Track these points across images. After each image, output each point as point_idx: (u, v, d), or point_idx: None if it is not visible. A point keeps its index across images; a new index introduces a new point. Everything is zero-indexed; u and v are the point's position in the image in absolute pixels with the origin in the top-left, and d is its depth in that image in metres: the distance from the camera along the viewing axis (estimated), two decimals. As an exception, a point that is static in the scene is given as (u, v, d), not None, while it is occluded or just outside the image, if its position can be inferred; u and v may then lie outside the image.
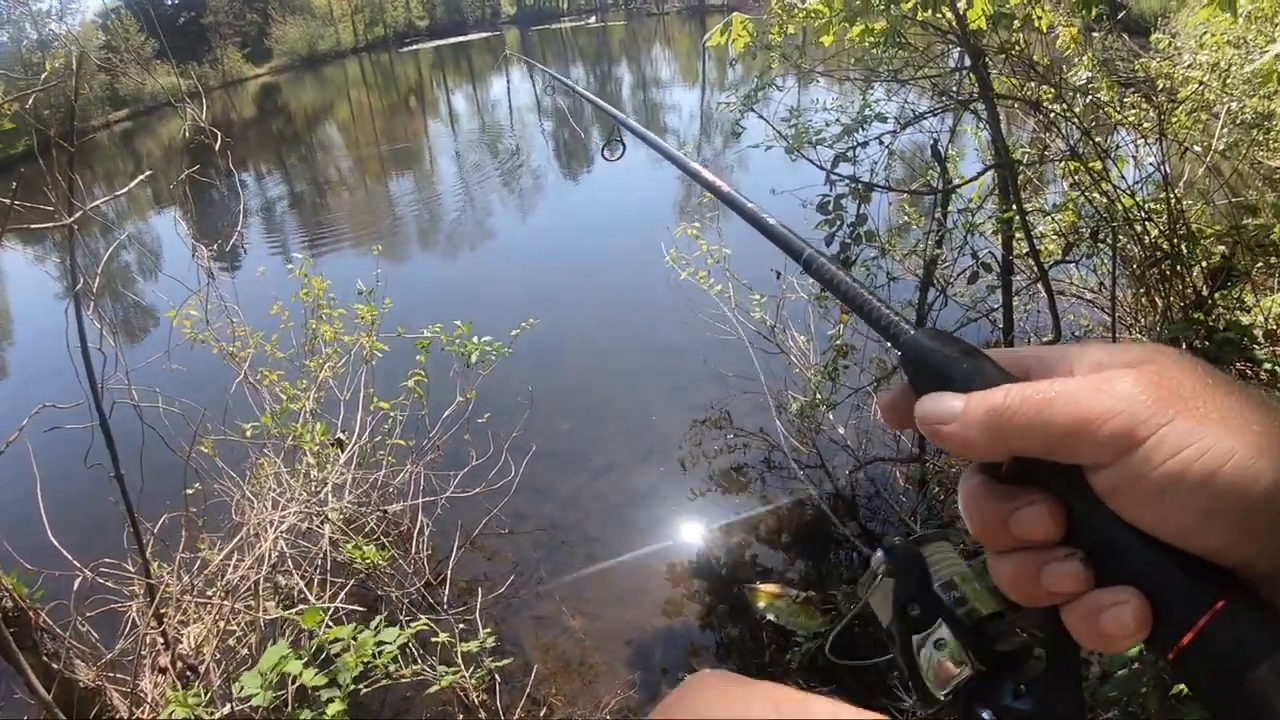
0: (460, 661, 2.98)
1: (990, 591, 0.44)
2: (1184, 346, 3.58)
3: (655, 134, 0.96)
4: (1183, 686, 0.35)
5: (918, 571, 0.46)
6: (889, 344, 0.44)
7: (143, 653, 2.80)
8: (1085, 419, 0.34)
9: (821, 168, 3.93)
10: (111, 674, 2.76)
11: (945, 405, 0.38)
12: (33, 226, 2.19)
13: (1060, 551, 0.36)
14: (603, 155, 1.54)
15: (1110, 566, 0.35)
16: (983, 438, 0.37)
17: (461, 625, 3.28)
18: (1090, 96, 4.03)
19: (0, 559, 2.67)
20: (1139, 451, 0.33)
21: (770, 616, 3.82)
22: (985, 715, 0.41)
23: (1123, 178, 3.81)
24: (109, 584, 2.89)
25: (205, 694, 2.55)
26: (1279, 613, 0.33)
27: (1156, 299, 3.97)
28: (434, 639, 2.89)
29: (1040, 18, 3.45)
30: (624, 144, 1.49)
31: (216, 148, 3.04)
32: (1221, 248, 3.78)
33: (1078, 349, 0.39)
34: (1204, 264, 3.68)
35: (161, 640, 2.81)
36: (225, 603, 3.09)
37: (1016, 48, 3.63)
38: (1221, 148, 5.03)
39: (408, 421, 4.41)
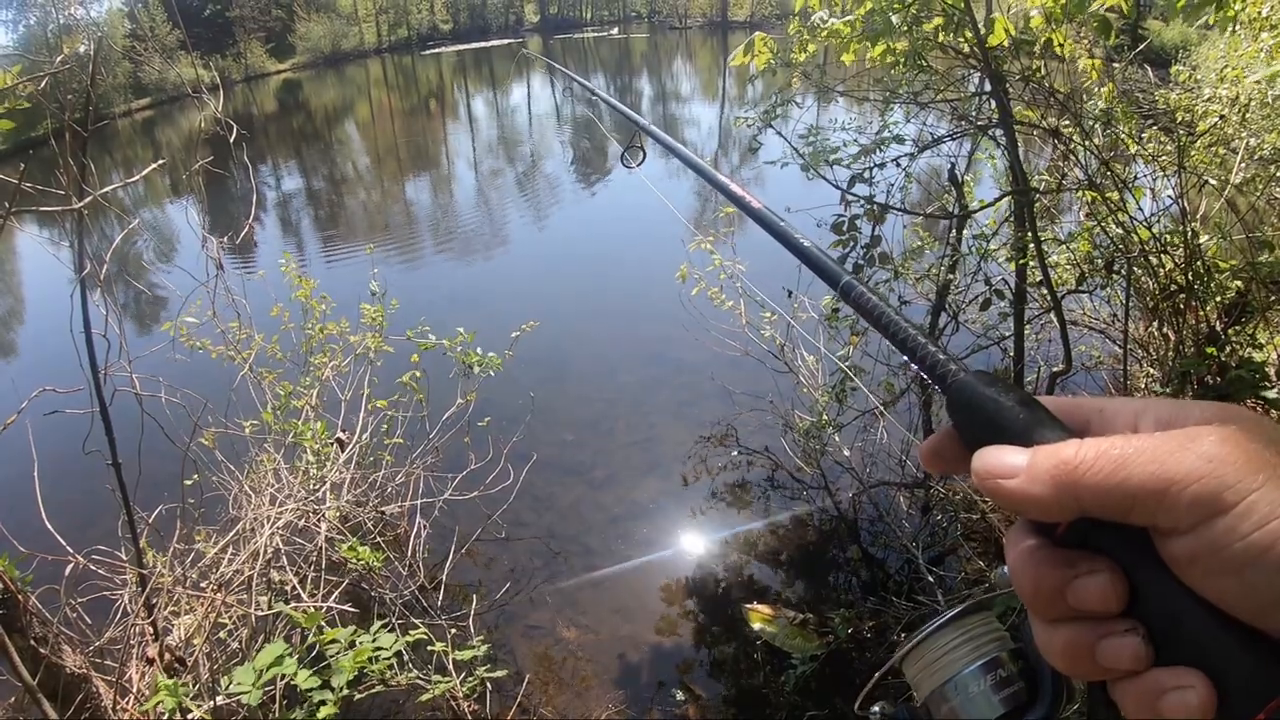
0: (452, 668, 2.95)
1: (984, 698, 0.43)
2: (1195, 382, 3.54)
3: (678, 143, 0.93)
4: None
5: None
6: (935, 386, 0.41)
7: (131, 642, 2.78)
8: (1168, 479, 0.31)
9: (838, 187, 3.91)
10: (99, 661, 2.74)
11: (1007, 459, 0.36)
12: (40, 209, 2.19)
13: (1120, 625, 0.34)
14: (622, 162, 1.50)
15: (1173, 643, 0.32)
16: (1050, 496, 0.34)
17: (454, 630, 3.25)
18: (1110, 129, 4.01)
19: (-6, 541, 2.66)
20: (1223, 519, 0.30)
21: (765, 638, 3.78)
22: None
23: (1140, 209, 3.78)
24: (101, 571, 2.88)
25: (193, 686, 2.53)
26: None
27: (1169, 332, 3.93)
28: (428, 646, 2.86)
29: (1061, 44, 3.43)
30: (644, 151, 1.46)
31: (231, 140, 3.04)
32: (1237, 283, 3.74)
33: (1141, 403, 0.37)
34: (1219, 299, 3.64)
35: (151, 630, 2.79)
36: (218, 596, 3.07)
37: (1038, 74, 3.62)
38: (1238, 182, 5.00)
39: (408, 423, 4.39)
